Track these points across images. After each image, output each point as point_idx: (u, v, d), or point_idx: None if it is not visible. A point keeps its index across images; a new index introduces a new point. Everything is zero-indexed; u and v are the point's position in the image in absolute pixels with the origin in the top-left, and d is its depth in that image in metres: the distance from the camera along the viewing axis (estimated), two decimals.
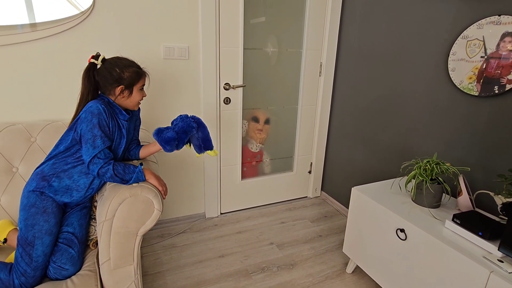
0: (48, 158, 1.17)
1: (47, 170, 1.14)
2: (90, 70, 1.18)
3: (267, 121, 2.15)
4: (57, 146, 1.18)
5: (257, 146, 2.18)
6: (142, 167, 1.16)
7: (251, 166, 2.23)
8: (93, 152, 1.08)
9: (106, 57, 1.21)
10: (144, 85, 1.25)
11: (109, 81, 1.17)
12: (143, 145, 1.37)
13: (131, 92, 1.20)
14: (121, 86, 1.17)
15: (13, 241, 1.20)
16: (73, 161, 1.16)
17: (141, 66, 1.25)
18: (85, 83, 1.17)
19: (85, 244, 1.22)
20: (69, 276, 1.10)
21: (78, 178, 1.16)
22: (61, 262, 1.10)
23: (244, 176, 2.21)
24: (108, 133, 1.13)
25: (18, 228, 1.13)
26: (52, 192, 1.13)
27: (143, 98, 1.26)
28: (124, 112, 1.22)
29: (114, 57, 1.21)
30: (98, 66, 1.19)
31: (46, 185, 1.12)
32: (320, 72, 2.21)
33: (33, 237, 1.07)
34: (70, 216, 1.19)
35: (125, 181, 1.10)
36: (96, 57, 1.19)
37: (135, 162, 1.30)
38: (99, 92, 1.22)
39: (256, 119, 2.10)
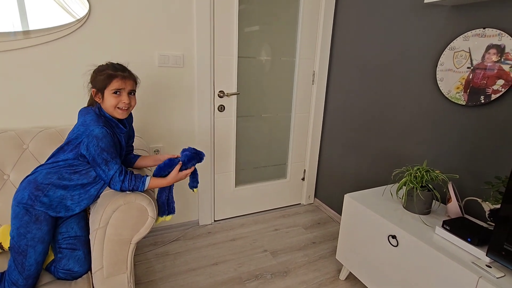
0: (41, 166, 1.15)
1: (41, 179, 1.11)
2: None
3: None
4: (54, 156, 1.15)
5: None
6: (149, 178, 1.17)
7: None
8: (110, 174, 1.10)
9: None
10: (119, 89, 1.15)
11: (89, 85, 1.19)
12: (140, 156, 1.39)
13: (103, 96, 1.16)
14: (93, 89, 1.18)
15: None
16: (70, 172, 1.13)
17: (128, 71, 1.19)
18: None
19: (89, 243, 1.18)
20: (79, 276, 1.14)
21: (73, 190, 1.14)
22: (69, 267, 1.12)
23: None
24: (115, 151, 1.12)
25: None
26: (44, 207, 1.10)
27: (132, 105, 1.20)
28: (121, 126, 1.20)
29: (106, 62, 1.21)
30: None
31: (41, 195, 1.09)
32: (313, 80, 2.25)
33: (25, 245, 1.06)
34: (67, 221, 1.19)
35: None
36: None
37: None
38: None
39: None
